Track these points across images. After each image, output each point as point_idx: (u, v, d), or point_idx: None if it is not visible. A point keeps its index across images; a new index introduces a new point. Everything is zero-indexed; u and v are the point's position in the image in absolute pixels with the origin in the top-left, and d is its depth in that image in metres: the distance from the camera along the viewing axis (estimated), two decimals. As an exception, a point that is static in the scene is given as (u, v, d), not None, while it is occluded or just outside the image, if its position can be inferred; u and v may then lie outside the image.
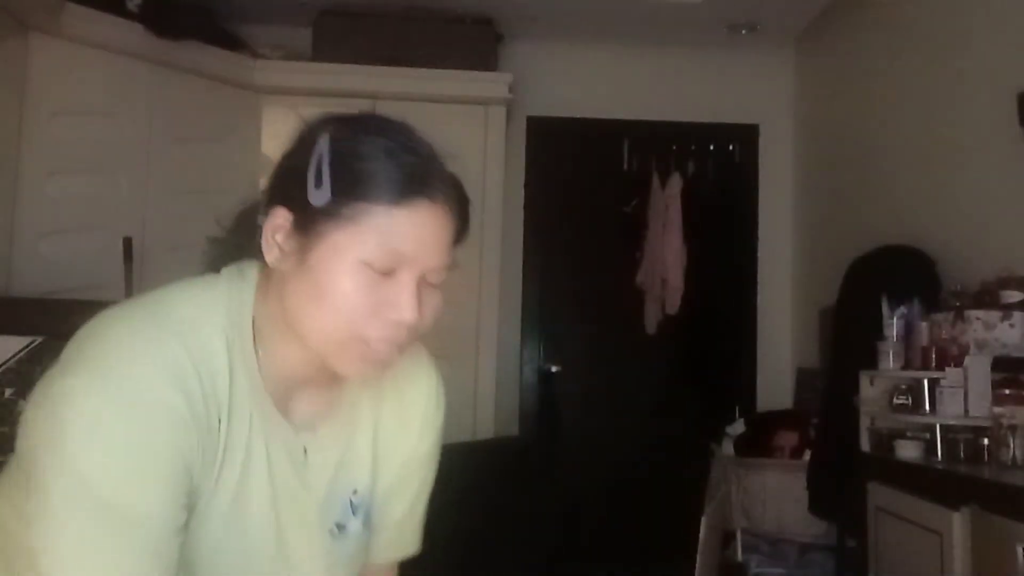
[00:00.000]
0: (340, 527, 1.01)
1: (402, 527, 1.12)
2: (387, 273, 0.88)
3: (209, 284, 0.95)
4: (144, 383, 0.82)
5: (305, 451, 0.98)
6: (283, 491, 0.95)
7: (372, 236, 0.86)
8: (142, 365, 0.83)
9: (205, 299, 0.92)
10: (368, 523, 1.05)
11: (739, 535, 3.43)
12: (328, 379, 0.98)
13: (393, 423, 1.07)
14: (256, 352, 0.93)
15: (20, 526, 0.83)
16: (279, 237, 0.90)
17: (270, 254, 0.91)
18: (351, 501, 1.03)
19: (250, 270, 0.96)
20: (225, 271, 0.97)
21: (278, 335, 0.93)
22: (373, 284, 0.87)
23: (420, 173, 0.89)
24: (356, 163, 0.88)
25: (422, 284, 0.90)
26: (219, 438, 0.89)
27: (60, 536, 0.79)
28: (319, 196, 0.87)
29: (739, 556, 3.41)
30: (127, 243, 3.29)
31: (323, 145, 0.88)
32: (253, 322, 0.93)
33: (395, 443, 1.07)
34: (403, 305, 0.88)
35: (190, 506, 0.87)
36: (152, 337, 0.85)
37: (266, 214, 0.93)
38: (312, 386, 0.98)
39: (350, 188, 0.87)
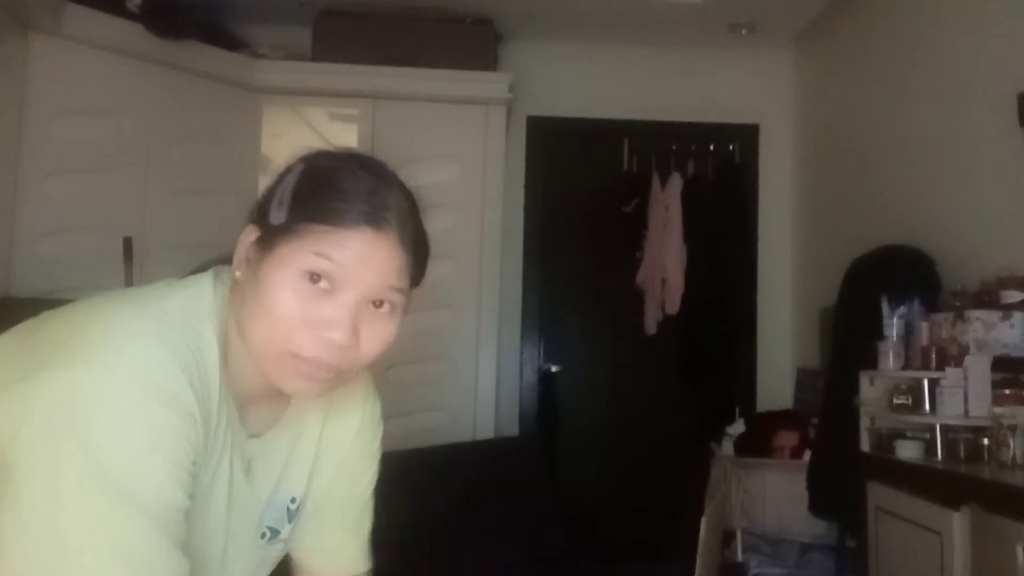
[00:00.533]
0: (273, 531, 1.06)
1: (337, 538, 1.15)
2: (326, 292, 0.91)
3: (199, 285, 0.98)
4: (151, 373, 0.84)
5: (249, 463, 1.02)
6: (236, 496, 0.99)
7: (311, 247, 0.90)
8: (146, 353, 0.85)
9: (197, 297, 0.96)
10: (296, 529, 1.10)
11: (739, 535, 3.43)
12: (278, 394, 1.00)
13: (332, 435, 1.12)
14: (228, 361, 0.96)
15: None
16: (245, 252, 0.96)
17: (236, 266, 0.96)
18: (288, 508, 1.08)
19: (226, 275, 1.00)
20: (207, 273, 1.01)
21: (236, 344, 0.96)
22: (310, 298, 0.90)
23: (371, 205, 0.92)
24: (316, 189, 0.93)
25: (364, 308, 0.93)
26: (212, 428, 0.92)
27: (80, 520, 0.80)
28: (278, 215, 0.93)
29: (739, 556, 3.41)
30: (127, 243, 3.29)
31: (294, 171, 0.95)
32: (227, 334, 0.96)
33: (331, 453, 1.12)
34: (335, 322, 0.91)
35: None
36: (152, 331, 0.88)
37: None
38: (264, 398, 1.01)
39: (305, 210, 0.92)
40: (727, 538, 3.35)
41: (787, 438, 3.68)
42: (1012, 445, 2.19)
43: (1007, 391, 2.27)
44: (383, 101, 4.15)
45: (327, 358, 0.92)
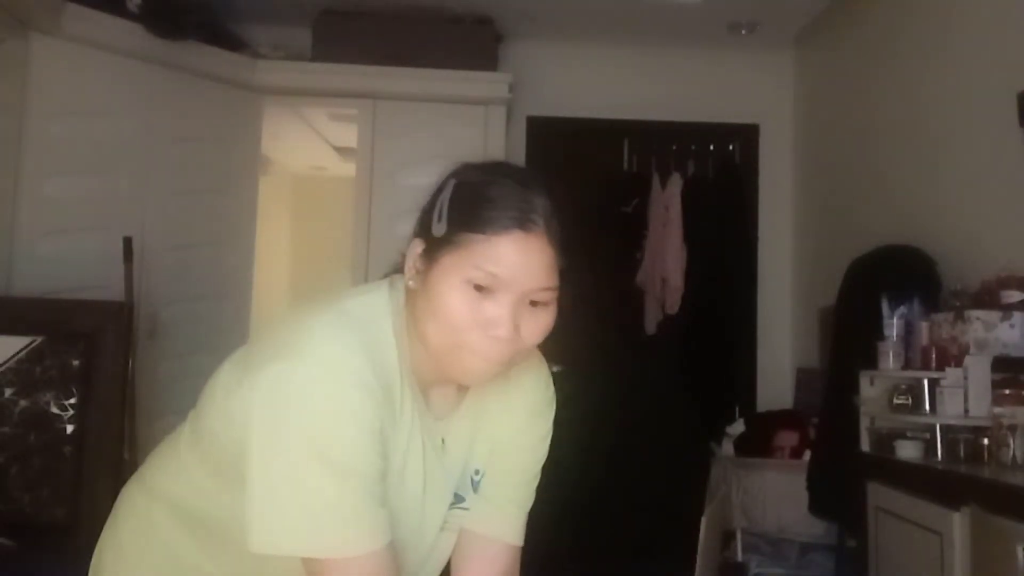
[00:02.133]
0: (459, 498, 1.20)
1: (499, 502, 1.23)
2: (488, 293, 1.03)
3: (376, 291, 1.13)
4: (344, 370, 1.01)
5: (443, 441, 1.16)
6: (430, 473, 1.14)
7: (473, 259, 1.02)
8: (341, 355, 1.02)
9: (376, 303, 1.11)
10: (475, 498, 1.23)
11: (739, 535, 3.43)
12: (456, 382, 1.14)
13: (510, 414, 1.23)
14: (411, 354, 1.10)
15: (191, 491, 1.14)
16: (414, 262, 1.08)
17: (408, 277, 1.09)
18: (472, 479, 1.21)
19: (400, 283, 1.13)
20: (387, 280, 1.14)
21: (415, 342, 1.10)
22: (475, 302, 1.03)
23: (519, 210, 1.03)
24: (469, 201, 1.04)
25: (522, 305, 1.05)
26: (397, 412, 1.08)
27: (299, 484, 0.98)
28: (439, 228, 1.05)
29: (739, 556, 3.41)
30: (127, 243, 3.29)
31: (449, 186, 1.07)
32: (408, 329, 1.10)
33: (508, 429, 1.23)
34: (498, 322, 1.03)
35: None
36: (345, 332, 1.04)
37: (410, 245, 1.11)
38: (443, 386, 1.15)
39: (462, 221, 1.03)
40: (727, 538, 3.35)
41: (787, 438, 3.68)
42: (1012, 445, 2.20)
43: (1007, 391, 2.27)
44: (383, 101, 4.15)
45: (495, 352, 1.04)
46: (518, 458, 1.25)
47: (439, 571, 1.25)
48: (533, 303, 1.05)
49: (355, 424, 1.00)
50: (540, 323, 1.07)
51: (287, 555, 1.01)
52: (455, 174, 1.09)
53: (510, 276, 1.02)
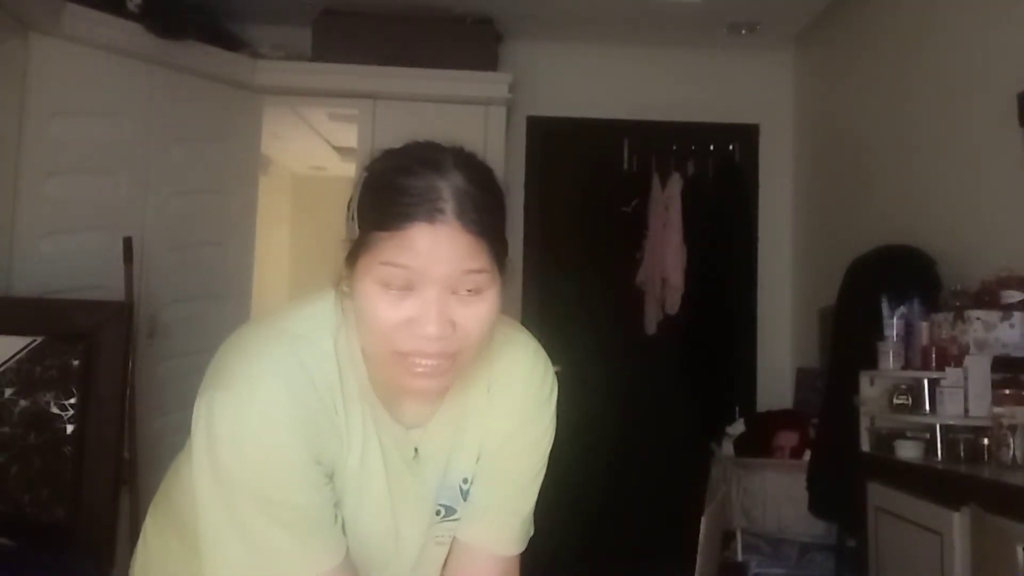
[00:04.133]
0: (448, 509, 1.15)
1: (493, 512, 1.17)
2: (408, 292, 0.96)
3: (319, 302, 1.08)
4: (264, 403, 0.99)
5: (416, 451, 1.11)
6: (396, 481, 1.09)
7: (381, 259, 0.96)
8: (262, 386, 0.99)
9: (317, 316, 1.06)
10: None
11: (739, 535, 3.43)
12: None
13: (495, 419, 1.16)
14: (365, 364, 1.05)
15: (185, 500, 1.08)
16: (342, 268, 1.02)
17: (341, 283, 1.03)
18: (460, 488, 1.15)
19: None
20: (330, 292, 1.07)
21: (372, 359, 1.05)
22: (396, 302, 0.97)
23: (424, 200, 0.95)
24: (375, 197, 0.99)
25: (449, 297, 0.97)
26: (341, 425, 1.04)
27: (236, 518, 1.00)
28: (351, 230, 1.00)
29: (739, 556, 3.41)
30: (127, 243, 3.29)
31: (360, 182, 1.01)
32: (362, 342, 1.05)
33: (495, 434, 1.16)
34: (422, 319, 0.96)
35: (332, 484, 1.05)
36: (271, 358, 1.01)
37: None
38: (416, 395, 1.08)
39: (369, 220, 0.98)
40: (727, 538, 3.35)
41: (787, 438, 3.68)
42: (1012, 445, 2.19)
43: (1007, 391, 2.27)
44: (383, 101, 4.15)
45: (429, 350, 0.97)
46: (514, 462, 1.18)
47: None
48: (465, 292, 0.97)
49: (280, 455, 0.99)
50: (477, 313, 0.99)
51: None
52: (368, 166, 1.02)
53: (422, 268, 0.95)
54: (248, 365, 1.01)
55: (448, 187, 0.96)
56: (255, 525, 0.99)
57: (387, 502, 1.10)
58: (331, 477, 1.05)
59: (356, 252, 0.99)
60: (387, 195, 0.96)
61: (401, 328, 0.97)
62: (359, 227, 0.98)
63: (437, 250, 0.94)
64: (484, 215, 0.97)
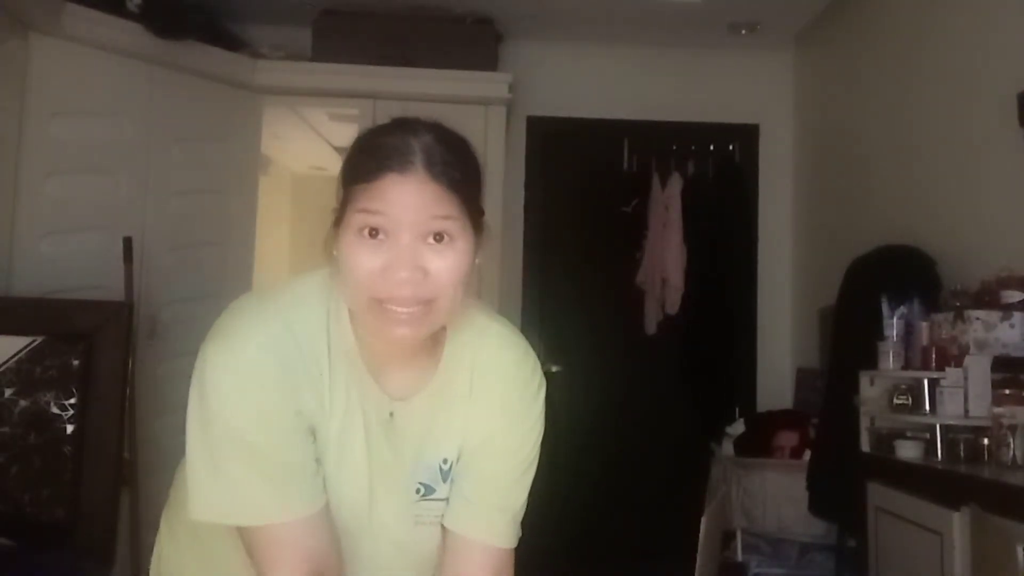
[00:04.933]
0: (428, 488, 1.19)
1: (479, 506, 1.20)
2: (382, 240, 1.04)
3: (313, 275, 1.17)
4: (247, 354, 1.07)
5: (391, 415, 1.15)
6: (374, 445, 1.14)
7: (357, 207, 1.05)
8: (247, 339, 1.08)
9: (310, 285, 1.15)
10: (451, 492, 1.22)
11: (739, 535, 3.43)
12: (415, 354, 1.15)
13: (479, 408, 1.20)
14: (354, 332, 1.13)
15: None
16: (330, 231, 1.11)
17: (330, 247, 1.10)
18: (440, 468, 1.19)
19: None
20: (326, 268, 1.15)
21: (358, 318, 1.12)
22: (372, 250, 1.04)
23: (395, 152, 1.05)
24: (355, 157, 1.09)
25: (422, 244, 1.05)
26: (325, 388, 1.11)
27: (217, 459, 1.07)
28: (339, 192, 1.10)
29: (739, 556, 3.41)
30: (127, 243, 3.29)
31: (346, 152, 1.12)
32: (352, 311, 1.12)
33: (479, 425, 1.20)
34: (396, 263, 1.04)
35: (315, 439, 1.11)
36: (258, 317, 1.11)
37: None
38: (404, 361, 1.16)
39: (350, 177, 1.08)
40: (727, 538, 3.35)
41: (787, 438, 3.68)
42: (1012, 445, 2.20)
43: (1007, 391, 2.27)
44: (383, 101, 4.14)
45: (404, 294, 1.04)
46: (496, 462, 1.21)
47: (426, 567, 1.23)
48: (436, 236, 1.05)
49: (259, 403, 1.06)
50: (448, 259, 1.06)
51: (215, 522, 1.09)
52: (354, 140, 1.13)
53: (395, 214, 1.04)
54: (240, 324, 1.10)
55: (419, 143, 1.06)
56: (232, 467, 1.06)
57: (365, 469, 1.14)
58: (314, 436, 1.11)
59: (341, 211, 1.08)
60: (365, 153, 1.08)
61: (377, 275, 1.04)
62: (342, 187, 1.09)
63: (406, 198, 1.03)
64: (451, 169, 1.06)
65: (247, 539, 1.09)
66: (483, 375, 1.20)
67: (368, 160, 1.06)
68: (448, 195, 1.05)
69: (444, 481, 1.20)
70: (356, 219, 1.05)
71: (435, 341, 1.17)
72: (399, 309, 1.05)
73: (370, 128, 1.13)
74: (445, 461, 1.19)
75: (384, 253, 1.04)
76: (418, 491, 1.18)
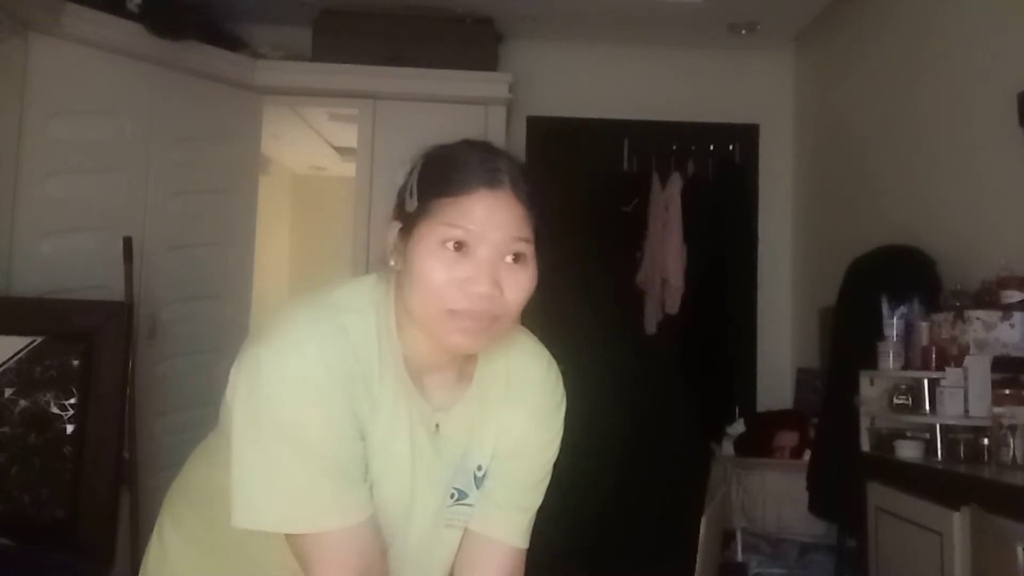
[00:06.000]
0: (461, 493, 1.22)
1: (503, 507, 1.24)
2: (464, 253, 1.06)
3: (362, 281, 1.18)
4: (309, 357, 1.06)
5: (438, 426, 1.18)
6: (419, 452, 1.16)
7: (445, 220, 1.06)
8: (308, 343, 1.07)
9: (361, 291, 1.16)
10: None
11: (739, 535, 3.43)
12: (454, 365, 1.18)
13: (511, 415, 1.24)
14: (400, 341, 1.14)
15: (216, 471, 1.13)
16: (394, 242, 1.12)
17: (390, 258, 1.13)
18: (475, 475, 1.23)
19: (388, 271, 1.17)
20: (376, 273, 1.18)
21: (410, 326, 1.13)
22: (452, 263, 1.06)
23: (480, 169, 1.08)
24: (437, 171, 1.10)
25: (500, 263, 1.08)
26: (375, 392, 1.12)
27: (271, 465, 1.05)
28: (411, 204, 1.10)
29: (739, 556, 3.41)
30: (127, 243, 3.29)
31: (417, 165, 1.12)
32: (399, 321, 1.14)
33: (509, 430, 1.24)
34: (476, 277, 1.06)
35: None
36: (317, 320, 1.10)
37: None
38: (443, 372, 1.18)
39: (432, 190, 1.08)
40: (727, 538, 3.35)
41: (787, 438, 3.68)
42: (1012, 445, 2.20)
43: (1007, 391, 2.27)
44: (383, 101, 4.15)
45: (478, 308, 1.07)
46: (524, 462, 1.26)
47: (447, 568, 1.26)
48: (512, 258, 1.09)
49: (322, 407, 1.06)
50: (520, 280, 1.10)
51: (268, 530, 1.07)
52: (424, 153, 1.14)
53: (481, 230, 1.06)
54: (294, 328, 1.09)
55: (504, 164, 1.10)
56: (293, 473, 1.05)
57: (408, 472, 1.16)
58: (363, 438, 1.12)
59: (415, 221, 1.09)
60: (451, 166, 1.08)
61: (455, 286, 1.06)
62: (419, 199, 1.08)
63: (494, 215, 1.07)
64: (532, 191, 1.11)
65: (299, 546, 1.08)
66: (515, 384, 1.25)
67: (455, 173, 1.08)
68: (529, 217, 1.10)
69: (477, 488, 1.23)
70: (440, 231, 1.06)
71: (470, 354, 1.19)
72: (468, 323, 1.07)
73: (442, 145, 1.14)
74: (480, 468, 1.23)
75: (464, 266, 1.06)
76: (452, 496, 1.22)
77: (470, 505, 1.23)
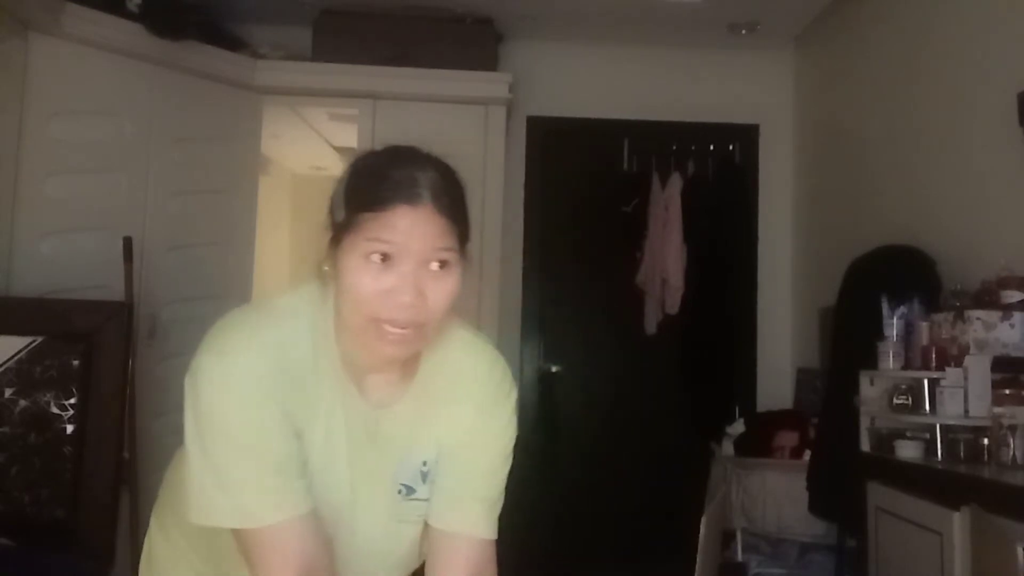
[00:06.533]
0: (408, 489, 1.26)
1: (460, 500, 1.27)
2: (388, 265, 1.11)
3: (303, 288, 1.23)
4: (238, 363, 1.13)
5: (378, 422, 1.23)
6: (357, 450, 1.21)
7: (369, 235, 1.11)
8: (238, 350, 1.14)
9: (296, 300, 1.22)
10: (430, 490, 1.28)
11: (739, 535, 3.43)
12: (396, 365, 1.22)
13: (454, 408, 1.28)
14: (338, 344, 1.19)
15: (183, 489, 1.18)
16: (326, 251, 1.17)
17: (324, 264, 1.17)
18: (420, 470, 1.27)
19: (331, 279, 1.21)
20: (316, 282, 1.22)
21: (349, 331, 1.17)
22: (377, 274, 1.11)
23: (405, 186, 1.12)
24: (361, 185, 1.15)
25: (423, 271, 1.12)
26: (310, 396, 1.17)
27: (216, 463, 1.13)
28: (339, 214, 1.15)
29: (739, 556, 3.41)
30: (127, 243, 3.29)
31: (345, 175, 1.18)
32: (337, 324, 1.19)
33: (454, 424, 1.28)
34: (400, 289, 1.11)
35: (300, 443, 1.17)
36: (248, 329, 1.18)
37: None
38: (385, 372, 1.22)
39: (357, 203, 1.13)
40: (727, 538, 3.35)
41: (787, 438, 3.68)
42: (1012, 445, 2.20)
43: (1007, 391, 2.27)
44: (383, 101, 4.15)
45: (403, 318, 1.12)
46: (476, 453, 1.28)
47: (410, 564, 1.31)
48: (436, 265, 1.13)
49: (251, 409, 1.12)
50: (444, 287, 1.14)
51: (217, 525, 1.14)
52: (352, 163, 1.20)
53: (403, 243, 1.11)
54: (228, 336, 1.16)
55: (425, 178, 1.13)
56: (231, 471, 1.12)
57: (347, 475, 1.21)
58: (298, 438, 1.16)
59: (342, 232, 1.14)
60: (374, 182, 1.13)
61: (380, 297, 1.11)
62: (345, 211, 1.14)
63: (415, 228, 1.11)
64: (453, 203, 1.15)
65: (243, 541, 1.14)
66: (459, 379, 1.28)
67: (378, 190, 1.12)
68: (450, 227, 1.13)
69: (424, 482, 1.27)
70: (364, 245, 1.11)
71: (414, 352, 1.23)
72: (394, 330, 1.12)
73: (369, 154, 1.20)
74: (424, 463, 1.26)
75: (389, 277, 1.11)
76: (400, 492, 1.25)
77: (421, 500, 1.27)
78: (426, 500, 1.27)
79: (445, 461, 1.27)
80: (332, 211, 1.18)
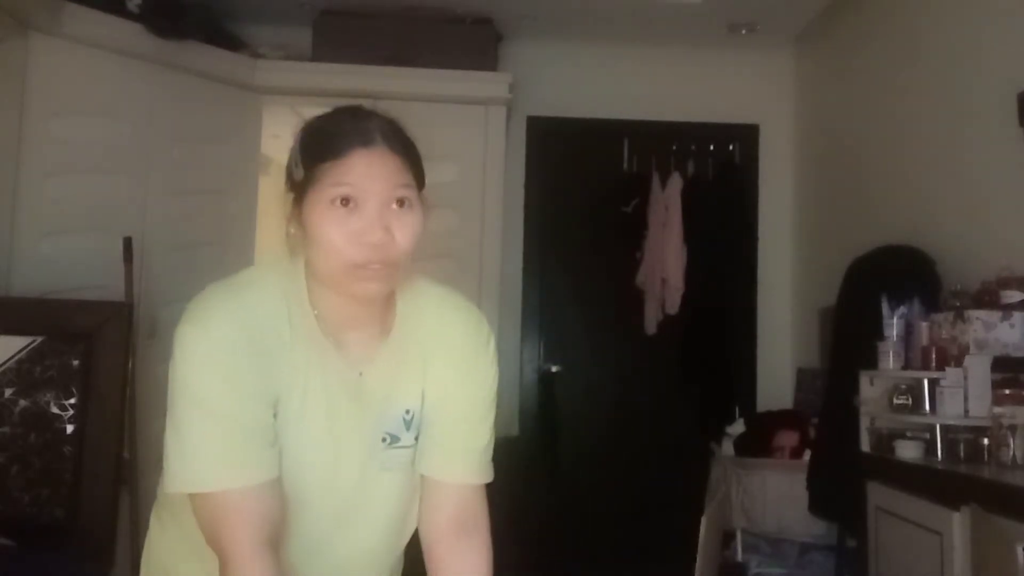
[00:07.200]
0: (393, 437, 1.29)
1: (450, 448, 1.31)
2: (352, 209, 1.16)
3: (274, 260, 1.28)
4: (217, 333, 1.17)
5: (360, 374, 1.26)
6: (337, 414, 1.24)
7: (330, 182, 1.16)
8: (214, 318, 1.18)
9: (268, 269, 1.27)
10: (418, 438, 1.32)
11: (739, 535, 3.43)
12: (374, 320, 1.27)
13: (435, 358, 1.32)
14: (313, 307, 1.23)
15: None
16: (290, 213, 1.21)
17: (289, 227, 1.21)
18: (403, 419, 1.30)
19: (300, 248, 1.25)
20: (288, 253, 1.26)
21: (320, 289, 1.22)
22: (343, 218, 1.15)
23: (357, 131, 1.18)
24: (315, 139, 1.20)
25: (387, 211, 1.17)
26: (287, 360, 1.21)
27: (182, 428, 1.16)
28: (298, 173, 1.20)
29: (739, 556, 3.41)
30: (127, 243, 3.29)
31: (297, 137, 1.22)
32: (310, 287, 1.23)
33: (437, 373, 1.32)
34: (367, 229, 1.15)
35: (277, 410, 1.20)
36: (220, 299, 1.21)
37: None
38: (363, 328, 1.27)
39: (313, 157, 1.18)
40: (727, 538, 3.35)
41: (787, 438, 3.68)
42: (1012, 445, 2.20)
43: (1007, 391, 2.27)
44: (383, 101, 4.10)
45: (376, 257, 1.16)
46: (461, 402, 1.32)
47: (393, 509, 1.33)
48: (397, 203, 1.18)
49: (223, 375, 1.15)
50: (408, 222, 1.19)
51: (181, 491, 1.16)
52: (303, 127, 1.24)
53: (364, 186, 1.16)
54: (206, 304, 1.20)
55: (375, 124, 1.20)
56: (193, 433, 1.15)
57: (327, 433, 1.24)
58: (275, 407, 1.20)
59: (304, 188, 1.18)
60: (327, 134, 1.19)
61: (350, 240, 1.15)
62: (304, 168, 1.18)
63: (372, 169, 1.16)
64: (405, 146, 1.22)
65: (201, 510, 1.15)
66: (435, 333, 1.32)
67: (332, 139, 1.18)
68: (405, 165, 1.20)
69: (408, 430, 1.30)
70: (327, 192, 1.15)
71: (386, 307, 1.28)
72: (371, 271, 1.17)
73: (317, 116, 1.24)
74: (408, 412, 1.30)
75: (355, 220, 1.15)
76: (384, 440, 1.28)
77: (405, 447, 1.30)
78: (410, 447, 1.30)
79: (431, 412, 1.31)
80: (290, 174, 1.21)
